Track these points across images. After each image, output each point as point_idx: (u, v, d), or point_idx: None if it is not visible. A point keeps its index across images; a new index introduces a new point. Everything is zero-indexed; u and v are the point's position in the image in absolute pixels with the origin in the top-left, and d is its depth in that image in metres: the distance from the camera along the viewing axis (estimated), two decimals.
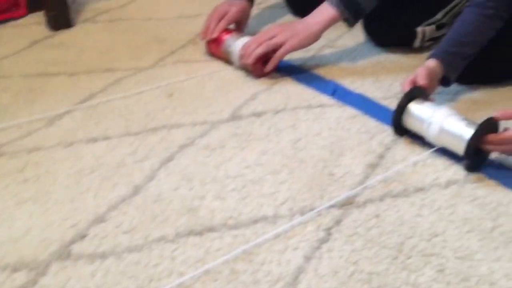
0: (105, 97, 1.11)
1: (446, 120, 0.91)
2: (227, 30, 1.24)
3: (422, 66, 1.01)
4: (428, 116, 0.93)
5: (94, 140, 0.98)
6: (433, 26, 1.27)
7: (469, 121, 0.91)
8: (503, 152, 0.91)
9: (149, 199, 0.85)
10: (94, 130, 1.01)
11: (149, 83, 1.17)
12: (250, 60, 1.14)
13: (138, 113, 1.06)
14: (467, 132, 0.88)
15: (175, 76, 1.19)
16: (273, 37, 1.15)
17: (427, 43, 1.30)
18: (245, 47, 1.16)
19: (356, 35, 1.37)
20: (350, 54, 1.30)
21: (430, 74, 0.99)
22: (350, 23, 1.18)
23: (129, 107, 1.08)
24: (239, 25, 1.29)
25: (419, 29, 1.26)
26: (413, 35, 1.26)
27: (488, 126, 0.89)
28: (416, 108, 0.96)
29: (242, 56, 1.16)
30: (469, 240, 0.78)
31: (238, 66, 1.20)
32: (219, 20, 1.23)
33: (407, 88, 0.98)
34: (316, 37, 1.16)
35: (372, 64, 1.26)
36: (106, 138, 0.99)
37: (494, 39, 1.07)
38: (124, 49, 1.32)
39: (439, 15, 1.28)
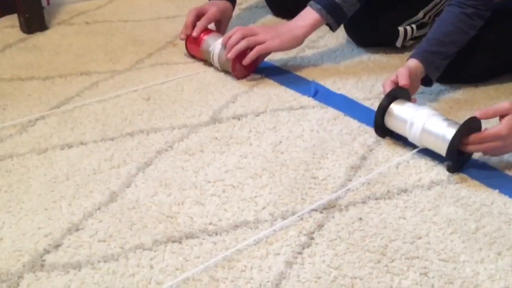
0: (80, 101, 1.08)
1: (428, 121, 0.90)
2: (207, 30, 1.22)
3: (403, 67, 1.00)
4: (410, 116, 0.92)
5: (69, 146, 0.95)
6: (414, 26, 1.27)
7: (451, 121, 0.90)
8: (484, 151, 0.90)
9: (126, 206, 0.82)
10: (69, 136, 0.98)
11: (126, 86, 1.14)
12: (231, 54, 1.12)
13: (115, 117, 1.03)
14: (449, 132, 0.88)
15: (153, 79, 1.17)
16: (255, 34, 1.13)
17: (409, 42, 1.30)
18: (226, 38, 1.14)
19: (338, 35, 1.36)
20: (331, 55, 1.29)
21: (411, 74, 0.98)
22: (333, 27, 1.17)
23: (106, 111, 1.05)
24: (220, 25, 1.27)
25: (401, 28, 1.25)
26: (395, 34, 1.25)
27: (470, 126, 0.89)
28: (398, 108, 0.95)
29: (224, 46, 1.14)
30: (452, 242, 0.77)
31: (218, 66, 1.18)
32: (199, 19, 1.21)
33: (388, 88, 0.97)
34: (298, 41, 1.15)
35: (354, 65, 1.25)
36: (82, 143, 0.96)
37: (474, 37, 1.07)
38: (100, 51, 1.29)
39: (420, 14, 1.28)
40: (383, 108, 0.95)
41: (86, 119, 1.03)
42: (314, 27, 1.15)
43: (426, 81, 1.05)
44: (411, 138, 0.93)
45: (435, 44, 1.03)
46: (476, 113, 0.89)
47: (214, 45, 1.17)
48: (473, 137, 0.88)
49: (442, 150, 0.88)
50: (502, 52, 1.12)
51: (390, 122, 0.96)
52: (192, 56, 1.25)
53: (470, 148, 0.89)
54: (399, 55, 1.28)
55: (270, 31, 1.14)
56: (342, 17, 1.16)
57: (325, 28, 1.43)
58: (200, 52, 1.21)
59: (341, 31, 1.37)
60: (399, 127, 0.94)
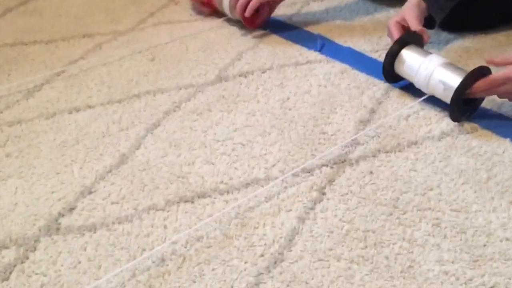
0: (85, 64, 1.07)
1: (436, 69, 0.89)
2: None
3: (408, 6, 0.97)
4: (419, 63, 0.91)
5: (77, 109, 0.95)
6: None
7: (460, 70, 0.88)
8: (497, 95, 0.88)
9: (137, 167, 0.82)
10: (76, 100, 0.97)
11: (129, 47, 1.12)
12: (247, 13, 1.11)
13: (121, 79, 1.03)
14: (455, 80, 0.86)
15: (156, 38, 1.15)
16: None
17: None
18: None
19: None
20: (336, 8, 1.26)
21: (418, 15, 0.96)
22: None
23: (111, 73, 1.04)
24: None
25: None
26: None
27: (479, 75, 0.87)
28: (407, 55, 0.93)
29: (235, 8, 1.12)
30: (464, 192, 0.77)
31: (231, 15, 1.16)
32: None
33: (395, 31, 0.95)
34: None
35: (360, 17, 1.22)
36: (89, 107, 0.96)
37: None
38: (101, 12, 1.26)
39: None
40: (393, 55, 0.94)
41: (91, 82, 1.02)
42: None
43: (430, 22, 1.03)
44: (419, 85, 0.92)
45: None
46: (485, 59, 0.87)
47: None
48: (480, 82, 0.86)
49: (447, 98, 0.87)
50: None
51: (399, 69, 0.95)
52: (202, 4, 1.22)
53: (480, 93, 0.87)
54: None
55: None
56: None
57: None
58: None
59: None
60: (408, 74, 0.93)
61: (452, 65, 0.90)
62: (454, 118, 0.89)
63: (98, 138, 0.88)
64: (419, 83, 0.92)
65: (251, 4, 1.10)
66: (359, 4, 1.26)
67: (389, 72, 0.96)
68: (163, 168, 0.82)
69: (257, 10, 1.14)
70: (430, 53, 0.93)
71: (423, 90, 0.92)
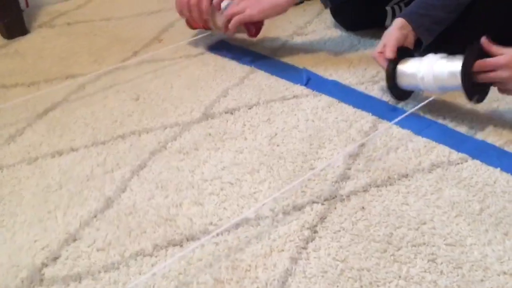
0: (68, 106, 1.06)
1: (435, 66, 0.91)
2: None
3: (388, 32, 0.98)
4: (416, 70, 0.93)
5: (60, 153, 0.93)
6: (402, 4, 1.24)
7: (455, 56, 0.91)
8: (494, 82, 0.89)
9: (123, 211, 0.80)
10: (59, 143, 0.95)
11: (113, 87, 1.11)
12: (230, 35, 1.14)
13: (105, 120, 1.01)
14: (457, 65, 0.89)
15: (140, 77, 1.14)
16: (235, 5, 1.11)
17: None
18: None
19: (325, 19, 1.34)
20: (320, 41, 1.26)
21: (400, 39, 0.97)
22: (326, 2, 1.13)
23: (95, 114, 1.03)
24: None
25: (388, 8, 1.23)
26: (383, 14, 1.23)
27: (477, 53, 0.89)
28: (404, 67, 0.96)
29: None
30: (458, 225, 0.76)
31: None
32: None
33: (381, 62, 0.97)
34: (282, 8, 1.10)
35: (345, 49, 1.22)
36: (72, 149, 0.93)
37: (469, 10, 1.04)
38: (84, 52, 1.25)
39: None
40: (391, 76, 0.96)
41: (75, 124, 1.00)
42: None
43: (418, 44, 1.03)
44: (425, 86, 0.94)
45: (424, 7, 1.00)
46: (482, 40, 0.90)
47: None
48: (477, 64, 0.88)
49: (458, 83, 0.89)
50: (502, 25, 1.09)
51: (403, 82, 0.97)
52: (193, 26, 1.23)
53: (479, 77, 0.89)
54: None
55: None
56: None
57: (312, 13, 1.41)
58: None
59: (328, 16, 1.35)
60: (412, 82, 0.95)
61: (447, 57, 0.92)
62: (473, 99, 0.91)
63: (82, 182, 0.86)
64: (425, 84, 0.93)
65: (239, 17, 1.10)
66: (343, 37, 1.27)
67: (396, 92, 0.98)
68: (150, 211, 0.80)
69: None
70: (421, 58, 0.95)
71: (430, 89, 0.94)
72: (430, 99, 0.97)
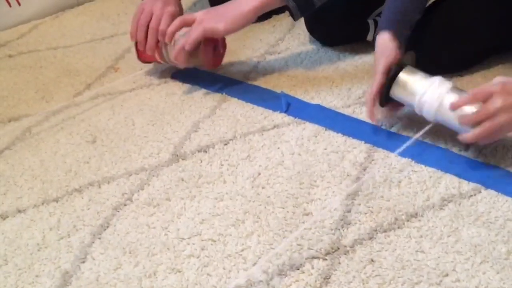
0: (12, 155, 0.90)
1: (445, 100, 0.81)
2: None
3: (387, 55, 0.87)
4: (422, 92, 0.83)
5: (3, 216, 0.77)
6: None
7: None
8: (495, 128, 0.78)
9: (85, 287, 0.65)
10: (2, 203, 0.80)
11: (65, 128, 0.96)
12: (174, 58, 1.00)
13: (56, 170, 0.86)
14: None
15: (96, 115, 0.99)
16: (192, 21, 0.97)
17: None
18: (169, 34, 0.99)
19: (299, 35, 1.22)
20: (296, 59, 1.14)
21: (387, 67, 0.86)
22: (295, 14, 0.99)
23: (44, 164, 0.88)
24: None
25: (370, 21, 1.12)
26: (364, 28, 1.12)
27: None
28: (406, 80, 0.85)
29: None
30: (485, 274, 0.65)
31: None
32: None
33: (369, 102, 0.87)
34: (247, 19, 0.96)
35: (324, 67, 1.11)
36: (19, 211, 0.78)
37: (447, 23, 0.97)
38: (30, 89, 1.10)
39: None
40: (391, 80, 0.85)
41: (21, 178, 0.85)
42: (265, 3, 0.96)
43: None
44: (421, 113, 0.84)
45: (403, 13, 0.91)
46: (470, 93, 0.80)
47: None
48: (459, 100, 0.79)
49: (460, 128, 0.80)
50: (479, 35, 1.01)
51: (394, 91, 0.86)
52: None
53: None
54: (371, 51, 1.15)
55: (210, 12, 0.98)
56: (308, 4, 0.98)
57: (283, 29, 1.30)
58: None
59: (302, 31, 1.23)
60: (406, 100, 0.86)
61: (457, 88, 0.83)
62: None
63: (32, 253, 0.71)
64: (422, 109, 0.83)
65: (191, 38, 0.96)
66: (320, 54, 1.16)
67: (387, 96, 0.87)
68: (117, 284, 0.66)
69: (214, 49, 1.02)
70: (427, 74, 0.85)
71: (425, 115, 0.84)
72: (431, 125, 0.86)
